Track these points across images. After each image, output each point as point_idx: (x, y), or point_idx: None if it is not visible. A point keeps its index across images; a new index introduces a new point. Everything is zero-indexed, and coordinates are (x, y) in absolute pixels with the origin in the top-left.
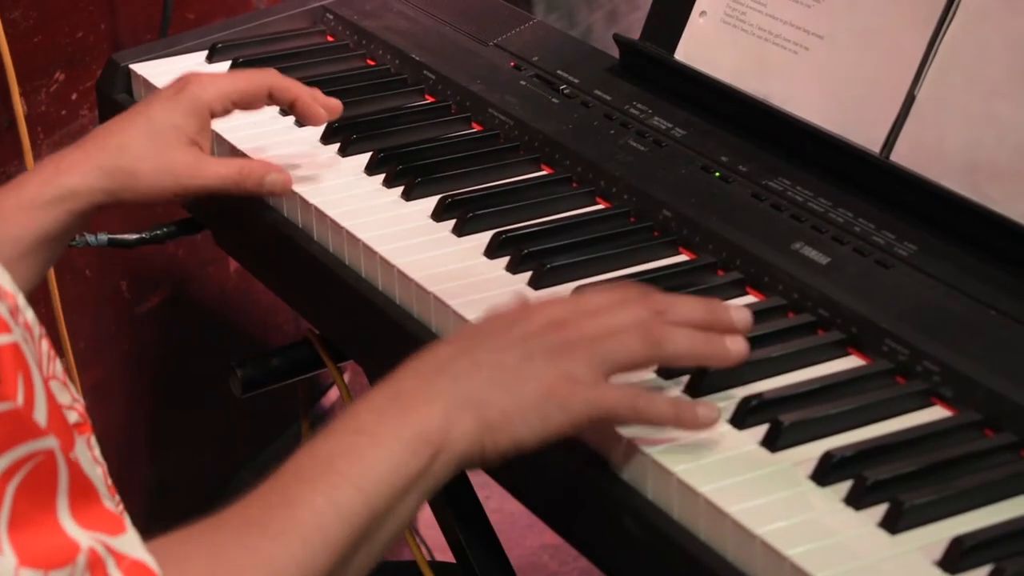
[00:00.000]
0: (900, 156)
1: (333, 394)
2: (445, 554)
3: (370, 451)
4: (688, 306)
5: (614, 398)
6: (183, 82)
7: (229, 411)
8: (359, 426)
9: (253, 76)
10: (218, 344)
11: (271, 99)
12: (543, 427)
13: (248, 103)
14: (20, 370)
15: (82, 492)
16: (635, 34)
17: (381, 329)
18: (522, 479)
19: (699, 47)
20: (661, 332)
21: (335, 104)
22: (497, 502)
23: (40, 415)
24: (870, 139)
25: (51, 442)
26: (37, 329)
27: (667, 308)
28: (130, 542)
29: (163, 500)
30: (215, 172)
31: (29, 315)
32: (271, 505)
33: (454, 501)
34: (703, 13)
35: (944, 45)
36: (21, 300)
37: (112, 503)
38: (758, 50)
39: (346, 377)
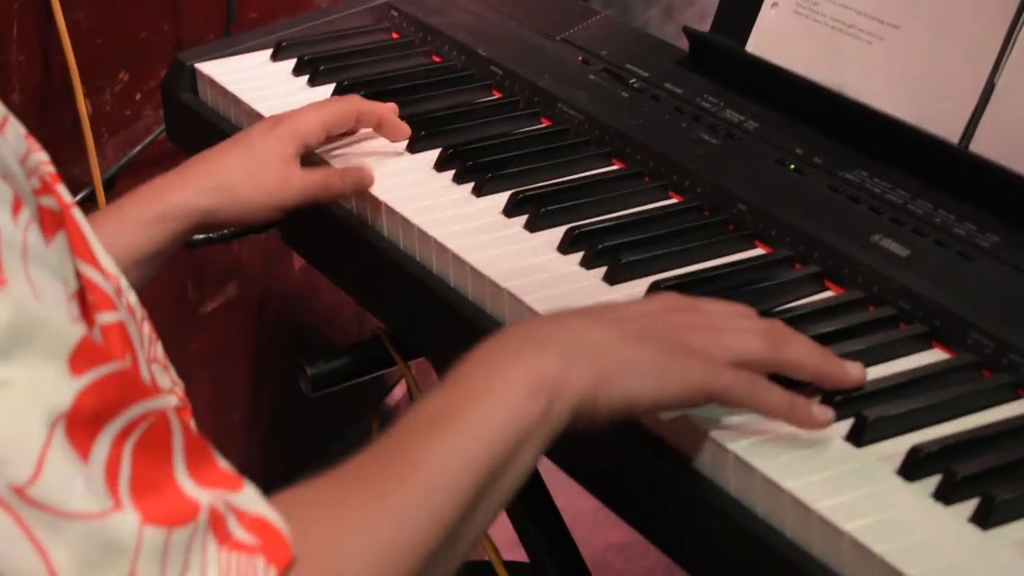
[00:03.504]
0: (979, 146)
1: (398, 391)
2: (513, 552)
3: (486, 398)
4: (808, 343)
5: (733, 376)
6: (279, 116)
7: (295, 408)
8: (472, 375)
9: (340, 104)
10: (283, 342)
11: (359, 122)
12: (660, 387)
13: (339, 129)
14: (128, 349)
15: (197, 450)
16: None
17: (453, 326)
18: (599, 472)
19: (771, 39)
20: (783, 335)
21: (392, 107)
22: (563, 501)
23: None
24: (948, 129)
25: (162, 401)
26: (139, 311)
27: (788, 333)
28: (250, 498)
29: None
30: (303, 181)
31: (132, 297)
32: (391, 456)
33: (528, 500)
34: (775, 4)
35: None
36: (123, 282)
37: (226, 463)
38: (831, 41)
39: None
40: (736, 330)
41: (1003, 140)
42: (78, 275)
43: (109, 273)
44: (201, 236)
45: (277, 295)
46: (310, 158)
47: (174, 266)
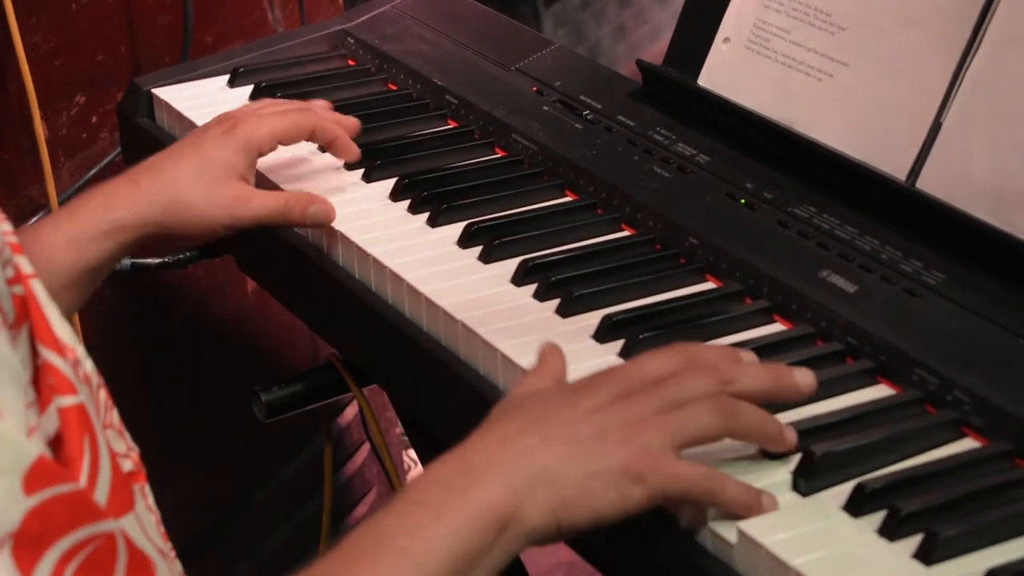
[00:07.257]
0: (926, 184)
1: (350, 412)
2: None
3: (433, 527)
4: (754, 375)
5: (690, 478)
6: (234, 121)
7: (246, 430)
8: (422, 499)
9: (298, 117)
10: (235, 364)
11: (311, 137)
12: (622, 502)
13: (291, 142)
14: (86, 432)
15: (140, 571)
16: (643, 49)
17: (408, 356)
18: None
19: (723, 73)
20: (732, 407)
21: (354, 123)
22: None
23: (104, 480)
24: (896, 167)
25: (111, 524)
26: (95, 379)
27: (734, 378)
28: None
29: (179, 519)
30: (262, 203)
31: (88, 366)
32: None
33: None
34: (727, 39)
35: (970, 73)
36: (81, 351)
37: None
38: (782, 77)
39: None
40: (685, 407)
41: (949, 178)
42: (37, 356)
43: (66, 346)
44: (157, 261)
45: (230, 317)
46: (258, 178)
47: (128, 286)
